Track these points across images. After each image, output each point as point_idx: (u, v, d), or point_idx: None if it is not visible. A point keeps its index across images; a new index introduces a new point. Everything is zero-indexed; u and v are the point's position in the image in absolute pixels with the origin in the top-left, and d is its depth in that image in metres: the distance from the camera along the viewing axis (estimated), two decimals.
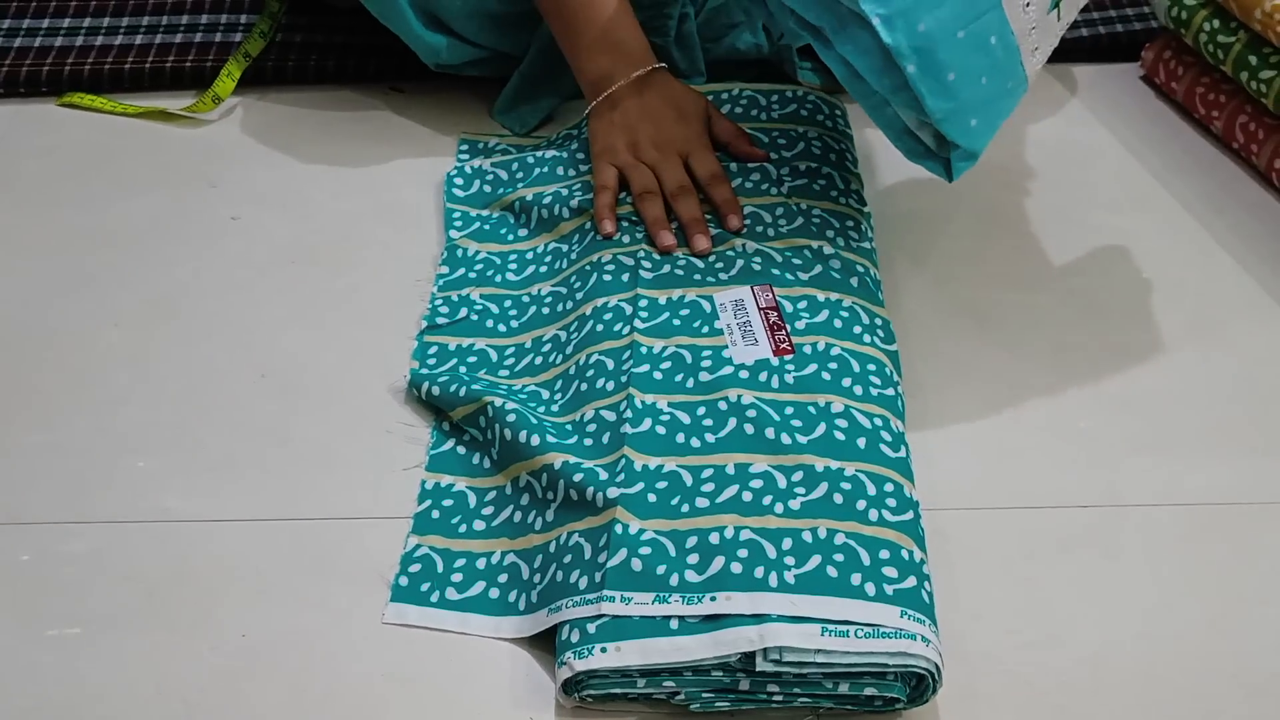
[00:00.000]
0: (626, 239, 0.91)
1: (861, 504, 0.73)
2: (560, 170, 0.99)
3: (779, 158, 0.98)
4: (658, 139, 0.93)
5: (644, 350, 0.82)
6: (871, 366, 0.82)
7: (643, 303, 0.85)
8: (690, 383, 0.80)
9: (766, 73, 1.12)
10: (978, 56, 0.83)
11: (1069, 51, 1.17)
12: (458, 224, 0.97)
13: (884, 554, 0.70)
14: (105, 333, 0.90)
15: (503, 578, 0.74)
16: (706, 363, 0.81)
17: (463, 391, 0.82)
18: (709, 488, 0.74)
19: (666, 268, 0.88)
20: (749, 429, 0.77)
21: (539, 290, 0.91)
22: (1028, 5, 0.84)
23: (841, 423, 0.77)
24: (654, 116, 0.94)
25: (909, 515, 0.73)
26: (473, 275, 0.92)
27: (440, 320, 0.89)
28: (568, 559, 0.72)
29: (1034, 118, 1.11)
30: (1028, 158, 1.07)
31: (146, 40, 1.15)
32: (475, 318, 0.89)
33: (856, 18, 0.82)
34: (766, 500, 0.73)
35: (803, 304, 0.85)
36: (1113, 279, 0.96)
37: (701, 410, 0.79)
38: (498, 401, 0.80)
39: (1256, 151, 1.04)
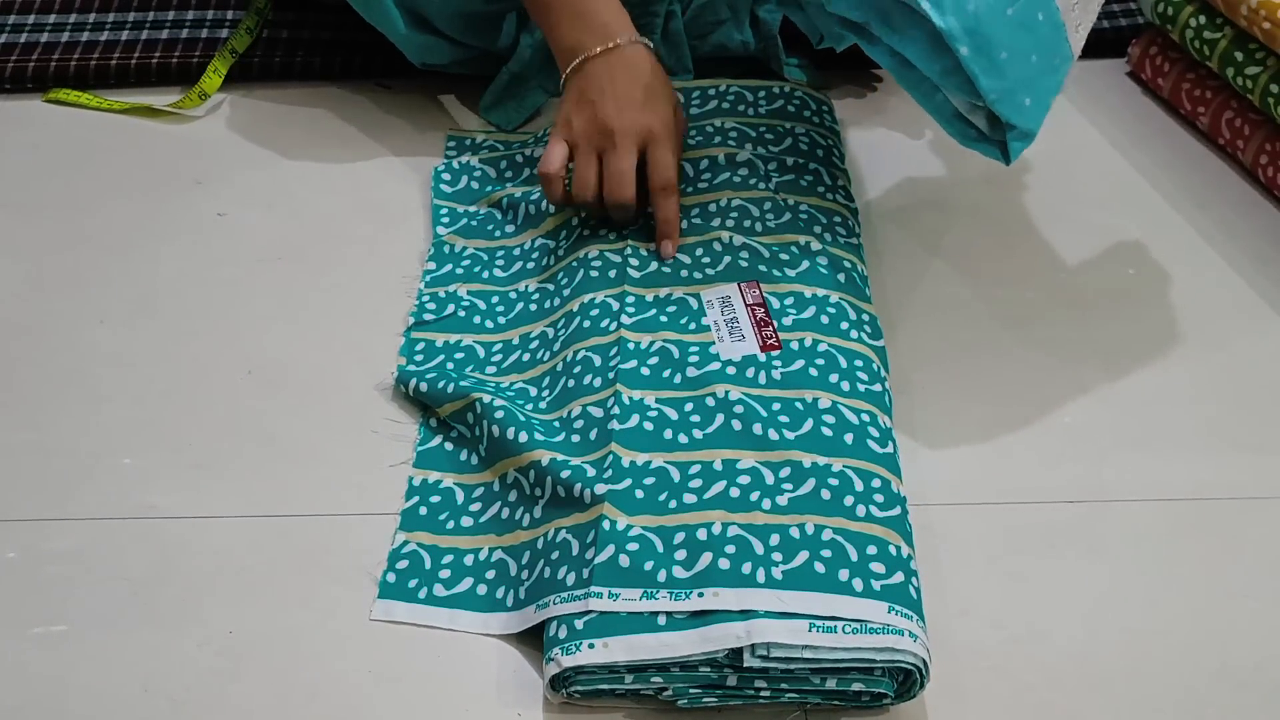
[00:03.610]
0: (613, 235, 0.91)
1: (849, 500, 0.73)
2: None
3: (766, 153, 0.98)
4: (618, 122, 0.88)
5: (631, 346, 0.82)
6: (859, 362, 0.82)
7: (630, 299, 0.85)
8: (678, 379, 0.81)
9: (753, 69, 1.12)
10: (1026, 34, 0.82)
11: None
12: (445, 220, 0.97)
13: (871, 550, 0.70)
14: (90, 330, 0.90)
15: (490, 574, 0.74)
16: (694, 359, 0.81)
17: (450, 388, 0.82)
18: (696, 484, 0.74)
19: (654, 264, 0.88)
20: (736, 425, 0.77)
21: (526, 286, 0.91)
22: None
23: (829, 419, 0.77)
24: (619, 95, 0.89)
25: (896, 511, 0.73)
26: (460, 271, 0.92)
27: (427, 316, 0.89)
28: (555, 555, 0.72)
29: None
30: None
31: (133, 36, 1.15)
32: (462, 314, 0.89)
33: (903, 7, 0.81)
34: (754, 496, 0.73)
35: (790, 300, 0.85)
36: (1098, 275, 0.96)
37: (689, 406, 0.79)
38: (485, 398, 0.80)
39: (1243, 147, 1.04)
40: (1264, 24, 0.99)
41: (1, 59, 1.12)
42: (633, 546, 0.71)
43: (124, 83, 1.11)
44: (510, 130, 1.07)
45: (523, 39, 1.07)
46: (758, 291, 0.86)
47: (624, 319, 0.84)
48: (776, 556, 0.70)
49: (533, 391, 0.83)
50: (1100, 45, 1.18)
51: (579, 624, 0.68)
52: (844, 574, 0.69)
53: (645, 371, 0.81)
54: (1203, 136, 1.09)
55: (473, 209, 0.98)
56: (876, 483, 0.74)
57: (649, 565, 0.70)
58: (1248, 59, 1.02)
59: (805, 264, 0.88)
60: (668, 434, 0.77)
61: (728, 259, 0.88)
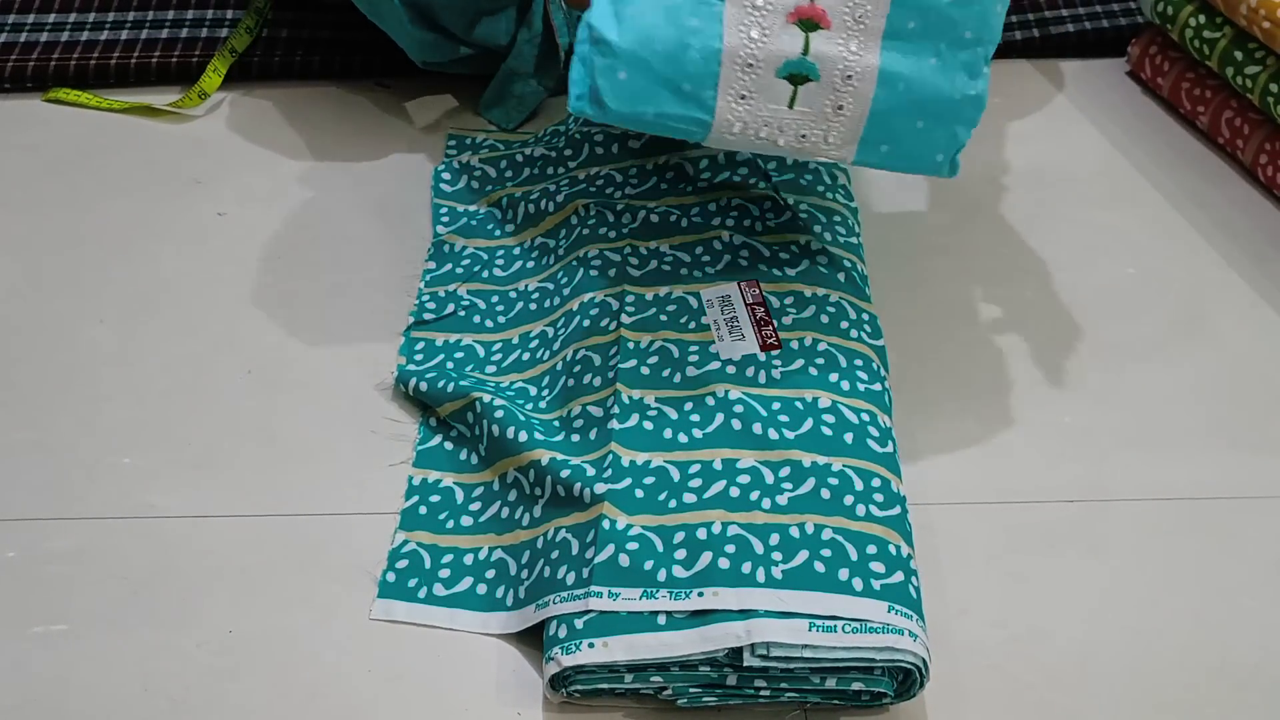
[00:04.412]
0: (613, 234, 0.91)
1: (849, 499, 0.73)
2: (550, 169, 0.99)
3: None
4: None
5: (631, 345, 0.82)
6: (859, 362, 0.82)
7: (629, 298, 0.85)
8: (677, 378, 0.81)
9: None
10: (660, 17, 0.75)
11: (1055, 47, 1.17)
12: (444, 219, 0.97)
13: (871, 549, 0.70)
14: (90, 329, 0.90)
15: (490, 573, 0.74)
16: (693, 358, 0.81)
17: (450, 387, 0.82)
18: (696, 483, 0.74)
19: (653, 264, 0.88)
20: (736, 424, 0.77)
21: (526, 286, 0.91)
22: (753, 36, 0.75)
23: (829, 418, 0.77)
24: None
25: (896, 510, 0.73)
26: (459, 271, 0.92)
27: (427, 316, 0.89)
28: (555, 555, 0.72)
29: (1020, 113, 1.11)
30: (1013, 152, 1.07)
31: (132, 35, 1.15)
32: (462, 313, 0.89)
33: None
34: (754, 496, 0.73)
35: (790, 299, 0.85)
36: (1098, 274, 0.96)
37: (689, 405, 0.79)
38: (485, 398, 0.80)
39: (1242, 147, 1.04)
40: (1264, 23, 0.99)
41: (1, 58, 1.12)
42: (632, 546, 0.71)
43: (124, 82, 1.11)
44: (510, 129, 1.07)
45: (520, 35, 1.07)
46: (757, 290, 0.86)
47: (624, 318, 0.84)
48: (776, 556, 0.70)
49: (532, 391, 0.83)
50: (1100, 45, 1.18)
51: (579, 623, 0.68)
52: (844, 573, 0.69)
53: (645, 371, 0.81)
54: (1202, 136, 1.09)
55: (472, 208, 0.98)
56: (876, 482, 0.74)
57: (649, 564, 0.70)
58: (1247, 58, 1.02)
59: (805, 263, 0.88)
60: (667, 433, 0.77)
61: (727, 258, 0.88)
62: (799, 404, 0.78)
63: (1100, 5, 1.21)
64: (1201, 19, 1.06)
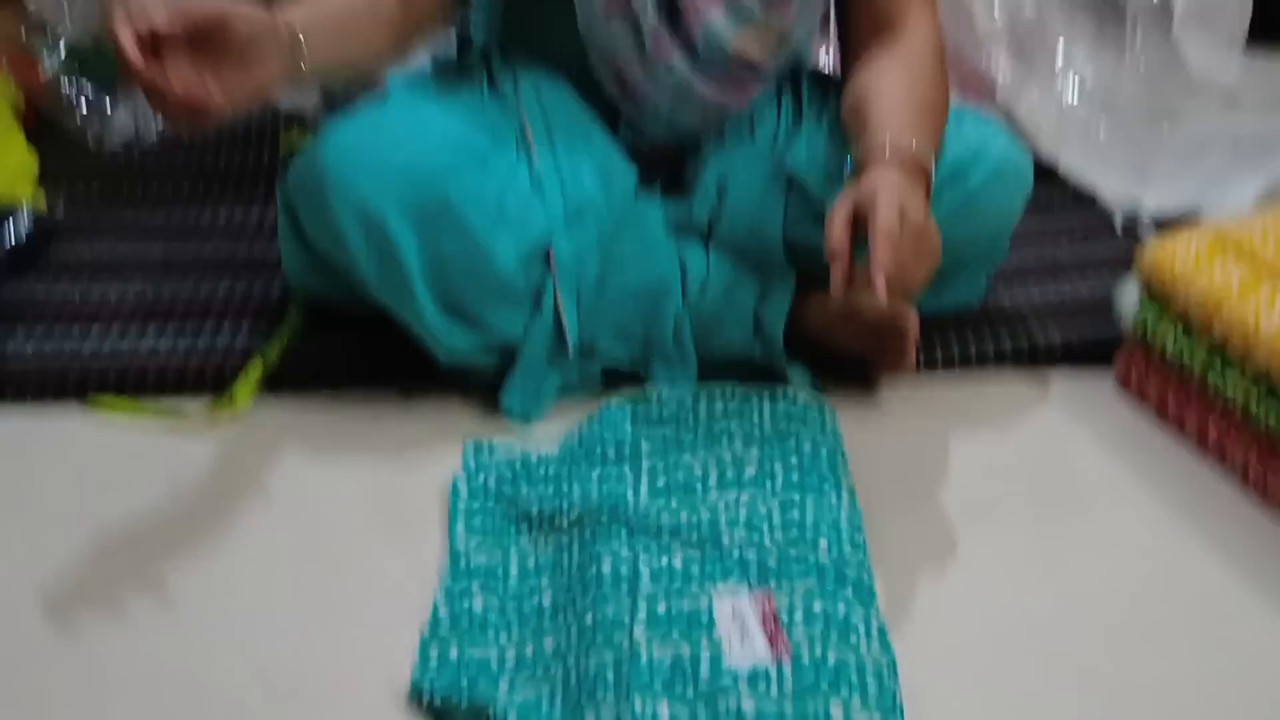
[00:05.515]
0: (625, 551, 0.92)
1: None
2: (565, 487, 1.01)
3: (772, 455, 1.01)
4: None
5: (643, 658, 0.83)
6: (870, 671, 0.82)
7: (641, 611, 0.86)
8: (689, 691, 0.81)
9: (757, 371, 1.15)
10: None
11: (1044, 356, 1.21)
12: (461, 529, 0.99)
13: None
14: (107, 633, 0.90)
15: None
16: (705, 669, 0.82)
17: (464, 702, 0.82)
18: None
19: (665, 572, 0.90)
20: None
21: (539, 599, 0.92)
22: None
23: None
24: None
25: None
26: (475, 582, 0.93)
27: (442, 626, 0.89)
28: None
29: (1011, 422, 1.14)
30: (1007, 458, 1.10)
31: (168, 345, 1.18)
32: (477, 625, 0.90)
33: None
34: None
35: (799, 609, 0.86)
36: (1097, 575, 0.97)
37: (701, 717, 0.79)
38: (499, 711, 0.80)
39: (1230, 455, 1.07)
40: (1235, 340, 1.03)
41: (36, 368, 1.14)
42: None
43: (156, 389, 1.14)
44: (528, 422, 1.09)
45: (536, 325, 1.09)
46: (768, 601, 0.87)
47: (636, 631, 0.85)
48: None
49: (545, 707, 0.83)
50: (1088, 355, 1.20)
51: None
52: None
53: (657, 683, 0.81)
54: (1191, 442, 1.11)
55: (490, 520, 0.99)
56: None
57: None
58: (1227, 370, 1.06)
59: (814, 571, 0.90)
60: None
61: (738, 567, 0.90)
62: (811, 717, 0.78)
63: (1088, 319, 1.25)
64: (1180, 331, 1.10)
